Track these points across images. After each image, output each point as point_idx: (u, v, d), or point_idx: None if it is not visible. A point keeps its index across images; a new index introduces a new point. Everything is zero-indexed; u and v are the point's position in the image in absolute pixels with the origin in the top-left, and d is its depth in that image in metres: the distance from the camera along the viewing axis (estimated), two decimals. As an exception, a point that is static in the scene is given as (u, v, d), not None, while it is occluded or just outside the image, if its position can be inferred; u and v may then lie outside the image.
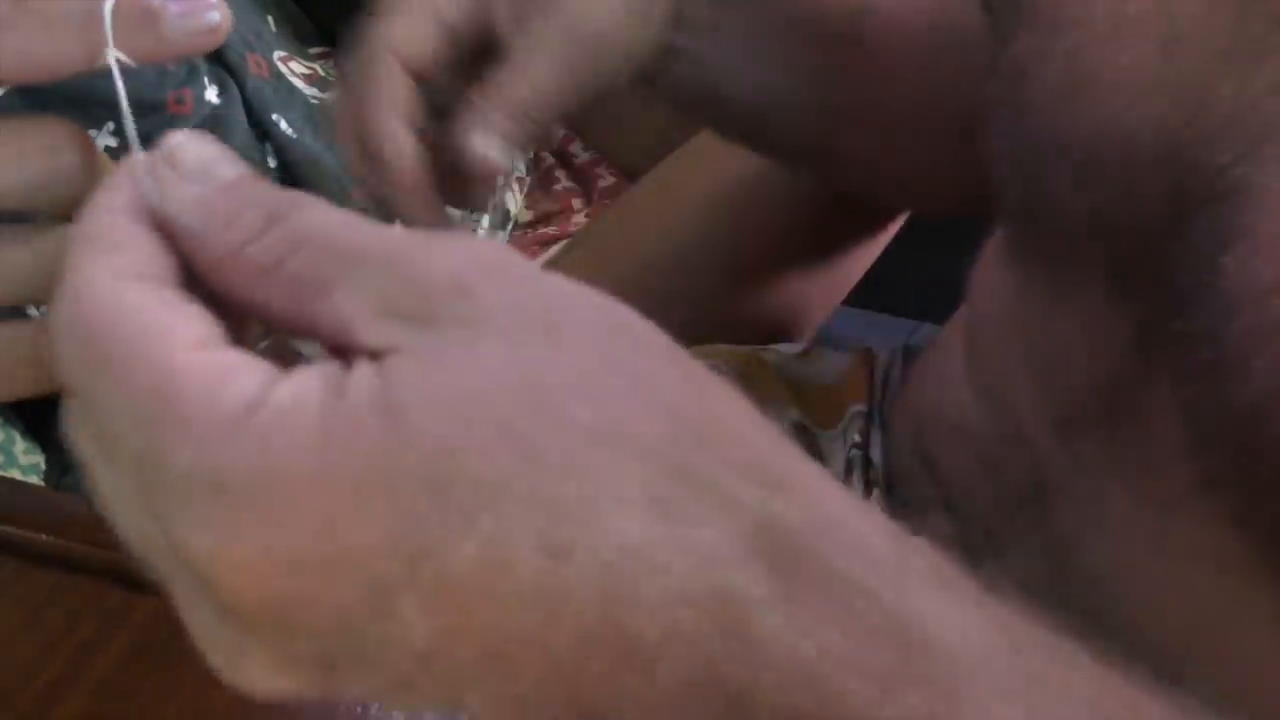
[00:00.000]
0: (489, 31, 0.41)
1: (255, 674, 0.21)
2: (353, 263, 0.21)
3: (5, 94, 0.81)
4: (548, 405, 0.19)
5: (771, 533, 0.20)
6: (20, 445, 0.77)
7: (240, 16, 0.88)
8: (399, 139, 0.39)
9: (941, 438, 0.47)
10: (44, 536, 0.44)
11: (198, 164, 0.23)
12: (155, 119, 0.77)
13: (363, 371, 0.20)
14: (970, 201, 0.54)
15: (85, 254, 0.21)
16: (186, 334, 0.20)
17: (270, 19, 0.93)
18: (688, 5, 0.46)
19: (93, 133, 0.76)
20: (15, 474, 0.74)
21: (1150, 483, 0.36)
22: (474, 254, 0.21)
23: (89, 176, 0.26)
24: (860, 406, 0.54)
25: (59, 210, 0.26)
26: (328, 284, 0.21)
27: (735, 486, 0.20)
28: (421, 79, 0.40)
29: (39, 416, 0.78)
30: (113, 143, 0.76)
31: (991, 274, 0.45)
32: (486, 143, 0.39)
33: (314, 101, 0.87)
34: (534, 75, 0.40)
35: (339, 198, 0.77)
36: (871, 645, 0.20)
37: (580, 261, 0.72)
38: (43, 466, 0.78)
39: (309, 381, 0.20)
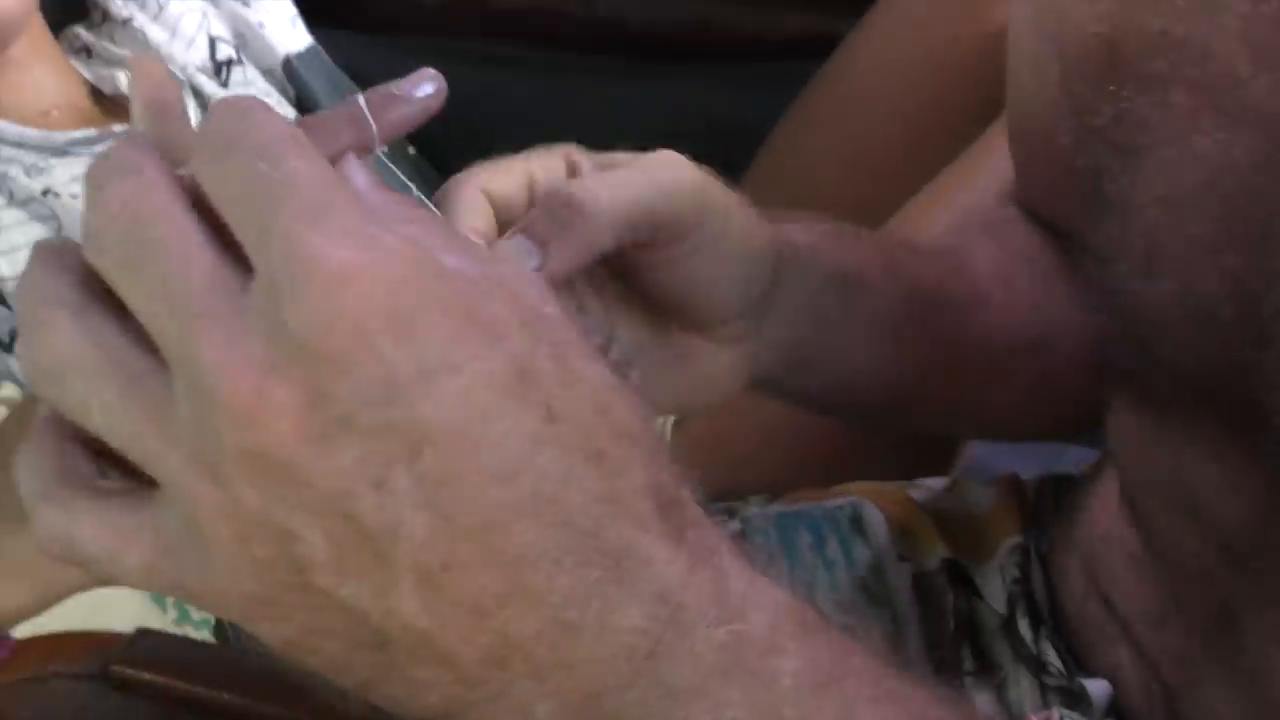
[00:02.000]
0: None
1: (281, 423, 0.23)
2: None
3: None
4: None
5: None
6: (191, 600, 0.80)
7: (390, 186, 0.94)
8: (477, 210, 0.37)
9: (1119, 570, 0.46)
10: (223, 695, 0.46)
11: None
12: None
13: None
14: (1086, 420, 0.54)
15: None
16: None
17: (414, 186, 0.99)
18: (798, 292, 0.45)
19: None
20: (188, 629, 0.77)
21: None
22: None
23: None
24: (1015, 539, 0.53)
25: None
26: None
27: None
28: (506, 223, 0.39)
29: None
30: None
31: (1123, 417, 0.46)
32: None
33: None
34: (613, 182, 0.38)
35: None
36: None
37: (724, 403, 0.73)
38: (212, 620, 0.81)
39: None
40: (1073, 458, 0.92)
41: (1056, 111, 0.40)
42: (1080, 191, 0.40)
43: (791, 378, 0.46)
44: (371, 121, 0.28)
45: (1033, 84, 0.43)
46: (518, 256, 0.34)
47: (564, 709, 0.25)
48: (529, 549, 0.24)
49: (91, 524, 0.25)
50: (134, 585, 0.25)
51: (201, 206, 0.25)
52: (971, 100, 0.79)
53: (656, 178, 0.37)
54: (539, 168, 0.39)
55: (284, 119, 0.25)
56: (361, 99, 0.29)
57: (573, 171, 0.39)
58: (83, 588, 0.32)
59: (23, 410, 0.30)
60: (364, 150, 0.28)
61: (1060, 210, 0.48)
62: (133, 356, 0.24)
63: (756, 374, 0.44)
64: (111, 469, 0.26)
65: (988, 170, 0.71)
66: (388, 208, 0.26)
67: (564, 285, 0.39)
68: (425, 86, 0.30)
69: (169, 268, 0.23)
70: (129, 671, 0.41)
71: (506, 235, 0.36)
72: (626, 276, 0.40)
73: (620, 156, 0.40)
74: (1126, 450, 0.46)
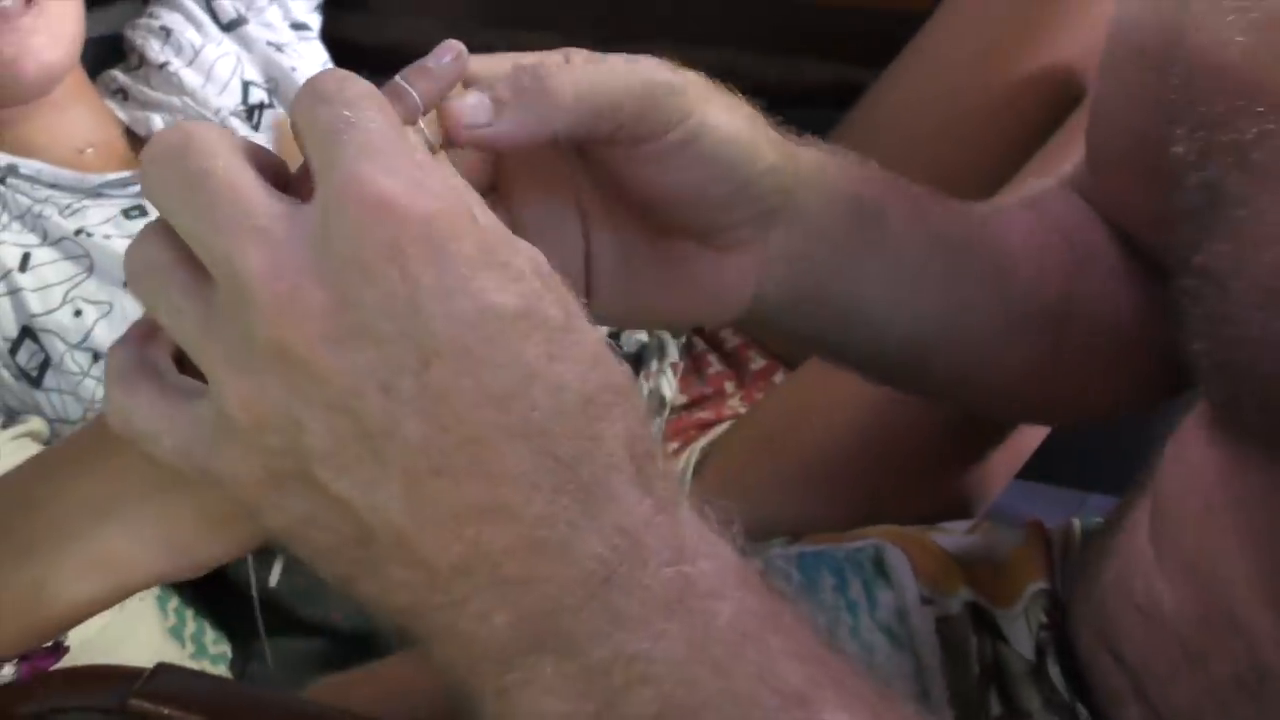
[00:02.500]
0: None
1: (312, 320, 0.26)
2: None
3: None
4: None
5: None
6: (210, 635, 0.80)
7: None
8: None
9: (1130, 624, 0.45)
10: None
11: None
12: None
13: None
14: (1130, 405, 0.53)
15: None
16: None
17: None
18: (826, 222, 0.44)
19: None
20: (205, 663, 0.78)
21: None
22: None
23: None
24: (1041, 584, 0.53)
25: None
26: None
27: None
28: None
29: (226, 607, 0.82)
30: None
31: (1192, 452, 0.43)
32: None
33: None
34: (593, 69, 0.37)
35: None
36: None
37: (745, 446, 0.73)
38: (230, 655, 0.81)
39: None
40: (1094, 505, 0.92)
41: (1167, 116, 0.38)
42: (1189, 206, 0.38)
43: (803, 306, 0.45)
44: (412, 91, 0.32)
45: (1138, 83, 0.41)
46: (473, 112, 0.34)
47: (520, 621, 0.27)
48: (512, 468, 0.27)
49: (146, 405, 0.29)
50: (170, 463, 0.29)
51: (264, 167, 0.28)
52: (999, 145, 0.80)
53: (628, 71, 0.37)
54: (529, 60, 0.39)
55: (371, 85, 0.29)
56: (399, 77, 0.32)
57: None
58: (157, 578, 0.34)
59: (99, 422, 0.33)
60: (410, 119, 0.32)
61: (1145, 219, 0.46)
62: (195, 267, 0.28)
63: (765, 292, 0.43)
64: (181, 372, 0.30)
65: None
66: (441, 166, 0.29)
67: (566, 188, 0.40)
68: (447, 55, 0.33)
69: (219, 190, 0.27)
70: (148, 706, 0.41)
71: (467, 91, 0.35)
72: (620, 180, 0.40)
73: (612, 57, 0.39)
74: (1186, 480, 0.44)
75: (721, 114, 0.39)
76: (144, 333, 0.31)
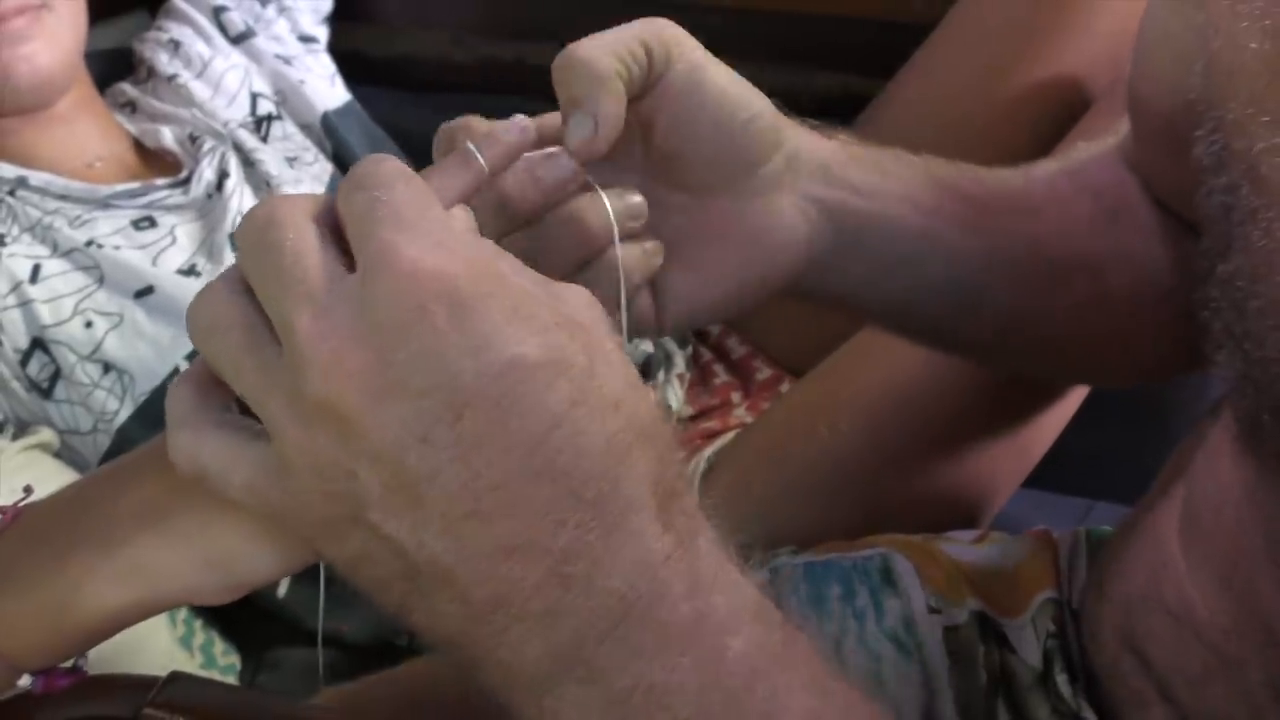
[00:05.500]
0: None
1: (359, 377, 0.29)
2: None
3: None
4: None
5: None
6: (219, 646, 0.80)
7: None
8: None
9: (1159, 627, 0.45)
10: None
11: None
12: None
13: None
14: (1156, 370, 0.53)
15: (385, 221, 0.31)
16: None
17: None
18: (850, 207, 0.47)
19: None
20: (214, 674, 0.78)
21: None
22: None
23: None
24: (1049, 593, 0.53)
25: None
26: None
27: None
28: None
29: (236, 620, 0.82)
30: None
31: (1221, 463, 0.43)
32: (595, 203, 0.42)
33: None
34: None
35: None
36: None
37: (751, 456, 0.73)
38: (238, 667, 0.81)
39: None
40: (1100, 513, 0.92)
41: (1195, 114, 0.38)
42: (1210, 213, 0.37)
43: (846, 254, 0.47)
44: (479, 156, 0.36)
45: (1166, 65, 0.42)
46: (579, 129, 0.40)
47: (550, 651, 0.30)
48: (539, 509, 0.29)
49: (212, 445, 0.31)
50: (238, 499, 0.31)
51: (336, 231, 0.31)
52: (1004, 155, 0.80)
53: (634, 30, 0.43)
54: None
55: (403, 164, 0.32)
56: (469, 144, 0.36)
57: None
58: (190, 594, 0.35)
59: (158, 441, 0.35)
60: (476, 184, 0.36)
61: (1181, 207, 0.47)
62: (258, 325, 0.31)
63: (812, 238, 0.46)
64: (238, 411, 0.33)
65: None
66: (466, 230, 0.32)
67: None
68: (515, 130, 0.38)
69: (284, 260, 0.30)
70: (162, 715, 0.42)
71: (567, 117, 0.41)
72: (652, 148, 0.44)
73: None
74: (1216, 493, 0.43)
75: (712, 65, 0.44)
76: (203, 376, 0.33)
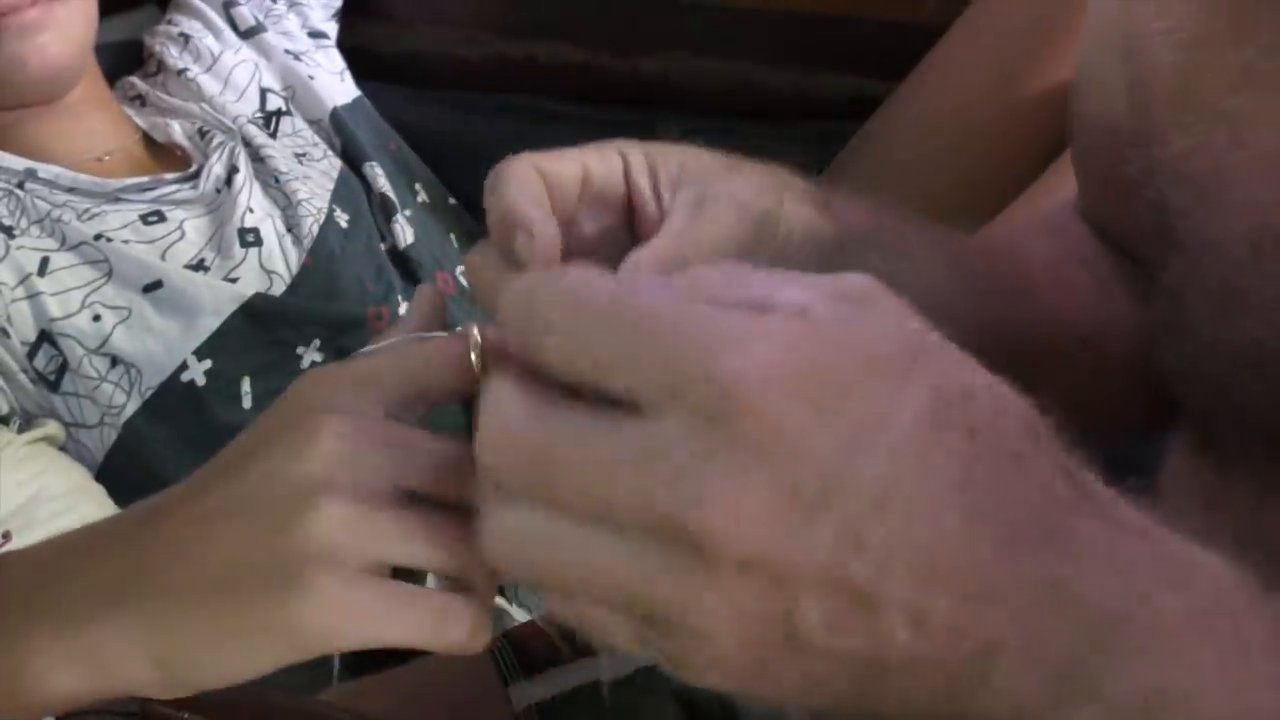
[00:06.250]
0: (633, 197, 0.41)
1: (741, 500, 0.25)
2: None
3: (231, 316, 0.89)
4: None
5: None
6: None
7: (431, 237, 0.96)
8: (532, 214, 0.37)
9: None
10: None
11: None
12: (357, 334, 0.83)
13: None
14: (1136, 424, 0.53)
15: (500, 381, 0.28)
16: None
17: (453, 236, 1.01)
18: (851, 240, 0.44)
19: (301, 348, 0.82)
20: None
21: None
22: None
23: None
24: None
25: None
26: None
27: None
28: (559, 208, 0.40)
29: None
30: (318, 358, 0.82)
31: (1184, 465, 0.44)
32: None
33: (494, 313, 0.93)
34: (695, 238, 0.39)
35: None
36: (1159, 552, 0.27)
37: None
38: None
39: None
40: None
41: (1123, 140, 0.40)
42: (1147, 224, 0.39)
43: None
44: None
45: (1100, 111, 0.43)
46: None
47: (1044, 681, 0.27)
48: (984, 555, 0.26)
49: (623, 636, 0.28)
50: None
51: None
52: (1014, 158, 0.80)
53: (733, 213, 0.39)
54: (593, 159, 0.40)
55: (597, 278, 0.27)
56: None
57: (629, 168, 0.40)
58: (138, 688, 0.33)
59: (132, 511, 0.34)
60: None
61: (1129, 239, 0.47)
62: (638, 594, 0.27)
63: None
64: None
65: (1062, 197, 0.71)
66: (737, 280, 0.28)
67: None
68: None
69: (618, 496, 0.26)
70: (168, 710, 0.42)
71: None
72: None
73: (661, 150, 0.41)
74: (1181, 496, 0.44)
75: (795, 207, 0.41)
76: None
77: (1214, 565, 0.28)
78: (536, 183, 0.38)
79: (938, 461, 0.26)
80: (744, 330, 0.26)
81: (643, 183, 0.40)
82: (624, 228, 0.41)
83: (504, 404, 0.27)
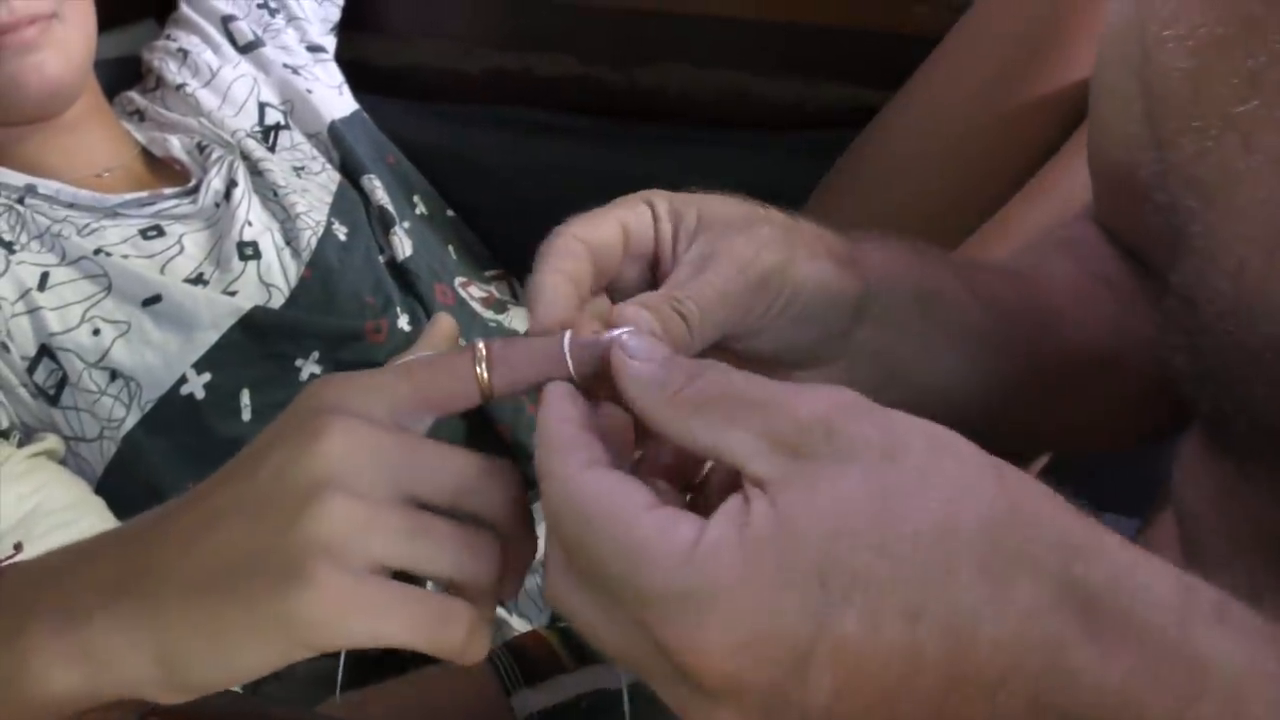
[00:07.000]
0: (657, 246, 0.41)
1: None
2: (747, 407, 0.29)
3: (230, 330, 0.89)
4: (892, 513, 0.27)
5: (1073, 586, 0.26)
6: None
7: (430, 249, 0.96)
8: (555, 289, 0.38)
9: None
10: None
11: (639, 349, 0.33)
12: (355, 347, 0.83)
13: (759, 504, 0.28)
14: (1150, 434, 0.54)
15: (556, 457, 0.30)
16: (640, 499, 0.29)
17: (451, 248, 1.01)
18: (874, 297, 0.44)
19: (299, 360, 0.83)
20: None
21: None
22: (834, 397, 0.29)
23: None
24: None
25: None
26: (731, 423, 0.29)
27: (1041, 555, 0.27)
28: (603, 270, 0.40)
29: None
30: (316, 370, 0.83)
31: (1198, 466, 0.44)
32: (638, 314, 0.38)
33: (492, 325, 0.93)
34: (692, 294, 0.39)
35: (514, 402, 0.81)
36: (1164, 668, 0.26)
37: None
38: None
39: (726, 521, 0.28)
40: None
41: (1137, 144, 0.40)
42: (1159, 227, 0.39)
43: (885, 390, 0.46)
44: (569, 359, 0.34)
45: (1114, 115, 0.43)
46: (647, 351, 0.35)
47: None
48: (1024, 599, 0.27)
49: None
50: None
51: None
52: (1012, 165, 0.80)
53: (739, 270, 0.39)
54: (629, 215, 0.40)
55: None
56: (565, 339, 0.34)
57: (656, 218, 0.40)
58: (136, 688, 0.33)
59: (139, 520, 0.34)
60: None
61: (1141, 243, 0.48)
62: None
63: (855, 383, 0.44)
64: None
65: (1058, 194, 0.71)
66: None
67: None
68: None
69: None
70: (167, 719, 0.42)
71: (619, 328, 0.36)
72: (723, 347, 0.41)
73: (684, 200, 0.41)
74: (1196, 499, 0.44)
75: (806, 265, 0.40)
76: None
77: (1242, 661, 0.27)
78: (576, 254, 0.39)
79: (952, 563, 0.27)
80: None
81: (666, 232, 0.41)
82: (648, 273, 0.42)
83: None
